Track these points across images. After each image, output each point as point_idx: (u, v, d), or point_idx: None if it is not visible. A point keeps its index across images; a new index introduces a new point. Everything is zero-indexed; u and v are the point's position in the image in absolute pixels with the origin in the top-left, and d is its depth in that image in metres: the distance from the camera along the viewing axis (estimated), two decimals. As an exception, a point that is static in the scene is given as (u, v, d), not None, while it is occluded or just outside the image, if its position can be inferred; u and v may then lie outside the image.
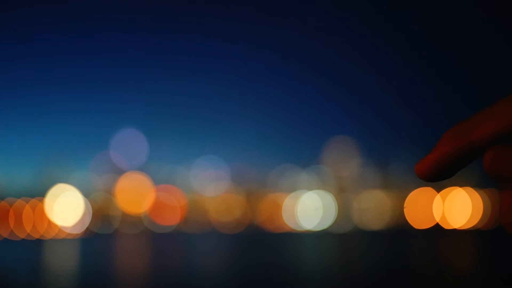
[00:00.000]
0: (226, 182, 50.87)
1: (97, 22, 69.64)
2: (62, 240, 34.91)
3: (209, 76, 73.33)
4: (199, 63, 73.05)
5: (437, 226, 42.65)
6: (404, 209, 47.40)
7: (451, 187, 43.18)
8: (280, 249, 22.76)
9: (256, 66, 73.46)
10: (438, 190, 43.35)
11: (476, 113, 0.35)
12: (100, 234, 41.74)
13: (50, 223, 41.23)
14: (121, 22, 70.05)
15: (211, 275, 11.68)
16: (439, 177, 0.36)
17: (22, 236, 37.72)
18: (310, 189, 49.58)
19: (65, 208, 43.21)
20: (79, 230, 42.36)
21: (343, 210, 48.67)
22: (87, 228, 43.01)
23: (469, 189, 43.51)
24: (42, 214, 41.32)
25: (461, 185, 43.49)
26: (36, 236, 38.31)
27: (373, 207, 48.71)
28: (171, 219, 47.45)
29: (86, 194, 45.95)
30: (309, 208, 48.17)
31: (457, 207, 43.36)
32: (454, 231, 38.54)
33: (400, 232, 38.26)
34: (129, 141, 51.82)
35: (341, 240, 33.34)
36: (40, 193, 43.48)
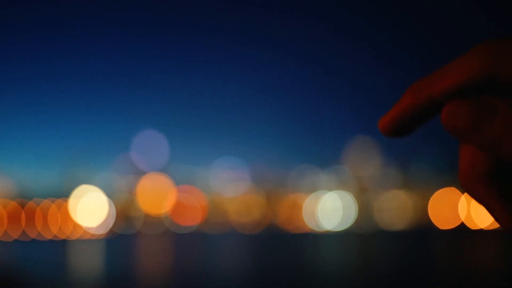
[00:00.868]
0: (246, 182, 51.05)
1: (119, 28, 70.53)
2: (88, 241, 35.36)
3: (229, 77, 73.63)
4: (219, 65, 73.40)
5: (463, 226, 42.07)
6: None
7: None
8: (301, 249, 22.75)
9: (276, 67, 73.45)
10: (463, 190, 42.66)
11: (439, 68, 0.35)
12: (123, 235, 42.13)
13: (75, 224, 41.84)
14: (142, 26, 70.81)
15: (232, 276, 11.77)
16: (401, 131, 0.36)
17: (49, 237, 38.39)
18: (330, 189, 49.34)
19: (90, 209, 43.76)
20: (103, 231, 42.84)
21: (364, 211, 48.34)
22: (111, 229, 43.49)
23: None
24: (67, 215, 41.98)
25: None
26: (62, 237, 38.94)
27: (394, 207, 48.25)
28: (191, 220, 47.74)
29: (108, 195, 46.59)
30: (329, 209, 47.96)
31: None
32: (481, 231, 37.90)
33: (424, 232, 37.84)
34: (150, 143, 52.40)
35: (362, 240, 33.11)
36: (64, 194, 44.22)
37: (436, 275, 11.55)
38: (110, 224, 43.90)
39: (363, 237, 37.32)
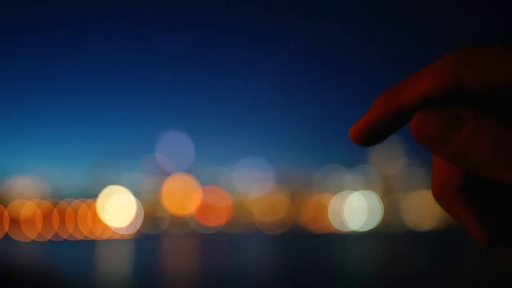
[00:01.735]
0: (270, 183, 51.12)
1: (145, 31, 71.41)
2: (118, 241, 35.89)
3: (253, 78, 73.80)
4: (244, 66, 73.65)
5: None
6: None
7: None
8: (327, 249, 22.70)
9: (300, 67, 73.30)
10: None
11: (407, 77, 0.34)
12: (150, 235, 42.60)
13: (104, 224, 42.53)
14: (168, 28, 71.55)
15: (258, 275, 11.85)
16: (371, 141, 0.36)
17: (80, 237, 39.13)
18: (356, 189, 49.05)
19: (119, 209, 44.39)
20: (132, 231, 43.43)
21: (391, 211, 47.90)
22: (138, 229, 44.04)
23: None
24: (96, 215, 42.71)
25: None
26: (93, 237, 39.64)
27: (421, 207, 47.65)
28: (216, 220, 48.01)
29: (135, 196, 47.24)
30: (355, 209, 47.68)
31: None
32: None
33: (453, 232, 37.27)
34: (175, 144, 52.96)
35: (389, 240, 32.81)
36: (93, 194, 45.00)
37: (466, 276, 11.44)
38: (138, 225, 44.47)
39: (390, 237, 36.98)
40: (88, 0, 67.00)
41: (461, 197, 0.34)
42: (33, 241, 35.49)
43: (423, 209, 47.51)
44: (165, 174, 49.48)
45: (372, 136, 0.35)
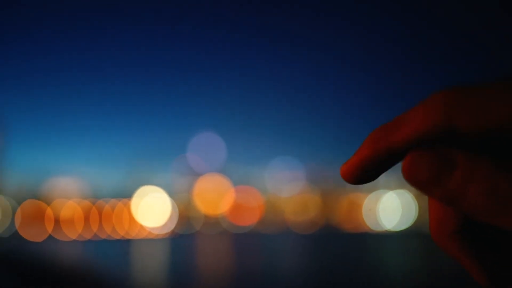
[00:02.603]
0: (302, 182, 51.07)
1: (176, 32, 72.39)
2: (154, 241, 36.55)
3: (284, 78, 73.82)
4: (274, 66, 73.74)
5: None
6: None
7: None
8: (362, 248, 22.58)
9: (330, 67, 72.86)
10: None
11: (398, 116, 0.33)
12: (184, 235, 43.18)
13: (139, 223, 43.35)
14: (198, 29, 72.32)
15: (291, 274, 11.93)
16: (362, 180, 0.35)
17: (118, 237, 40.03)
18: (390, 188, 48.51)
19: (153, 209, 45.14)
20: (167, 231, 44.05)
21: (425, 210, 47.06)
22: (173, 229, 44.69)
23: None
24: (131, 215, 43.59)
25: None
26: (129, 236, 40.48)
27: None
28: (248, 220, 48.26)
29: (169, 195, 47.98)
30: (388, 208, 47.17)
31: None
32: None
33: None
34: (208, 144, 53.52)
35: (424, 240, 32.36)
36: (128, 195, 45.95)
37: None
38: (173, 225, 45.11)
39: (425, 236, 36.41)
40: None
41: (459, 239, 0.33)
42: (74, 241, 36.56)
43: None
44: (198, 174, 50.07)
45: (363, 176, 0.35)
